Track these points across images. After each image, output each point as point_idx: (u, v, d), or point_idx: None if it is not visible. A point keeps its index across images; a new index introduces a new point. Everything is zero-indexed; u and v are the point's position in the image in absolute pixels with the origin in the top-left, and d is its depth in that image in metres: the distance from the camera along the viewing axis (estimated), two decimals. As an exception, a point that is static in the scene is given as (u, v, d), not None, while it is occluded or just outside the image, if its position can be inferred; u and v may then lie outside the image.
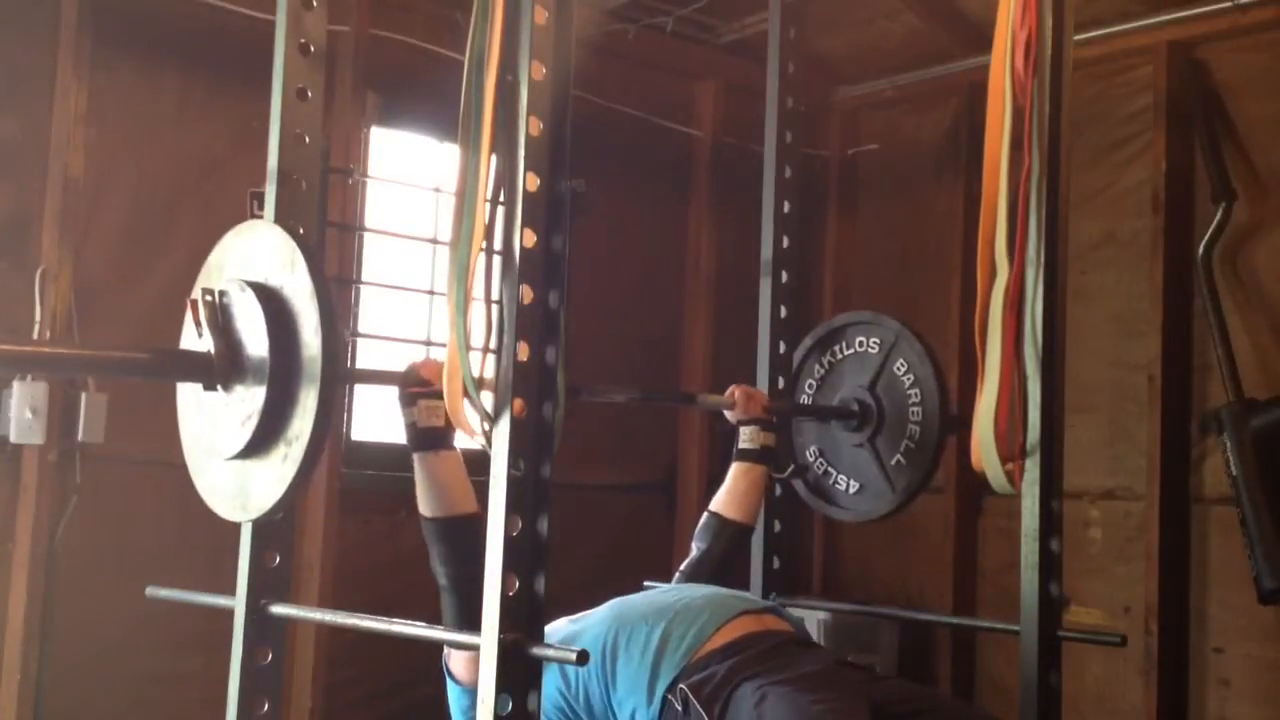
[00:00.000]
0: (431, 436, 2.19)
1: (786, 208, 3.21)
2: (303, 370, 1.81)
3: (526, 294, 1.83)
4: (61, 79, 3.38)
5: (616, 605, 2.51)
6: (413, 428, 2.20)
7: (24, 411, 3.26)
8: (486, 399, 1.84)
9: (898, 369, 3.02)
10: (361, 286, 3.94)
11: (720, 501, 2.95)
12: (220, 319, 1.90)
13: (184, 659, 3.47)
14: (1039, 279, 2.38)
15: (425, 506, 2.22)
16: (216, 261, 2.01)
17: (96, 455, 3.40)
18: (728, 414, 3.01)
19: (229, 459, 1.88)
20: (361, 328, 3.94)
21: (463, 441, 1.98)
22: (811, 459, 3.15)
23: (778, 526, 3.13)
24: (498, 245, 1.88)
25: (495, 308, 1.88)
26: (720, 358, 4.65)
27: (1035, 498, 2.38)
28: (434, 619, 2.18)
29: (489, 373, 1.85)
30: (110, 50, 3.48)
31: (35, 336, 3.30)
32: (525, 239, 1.83)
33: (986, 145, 2.40)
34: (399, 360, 4.07)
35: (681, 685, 2.26)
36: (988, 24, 2.48)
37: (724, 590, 2.63)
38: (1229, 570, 3.90)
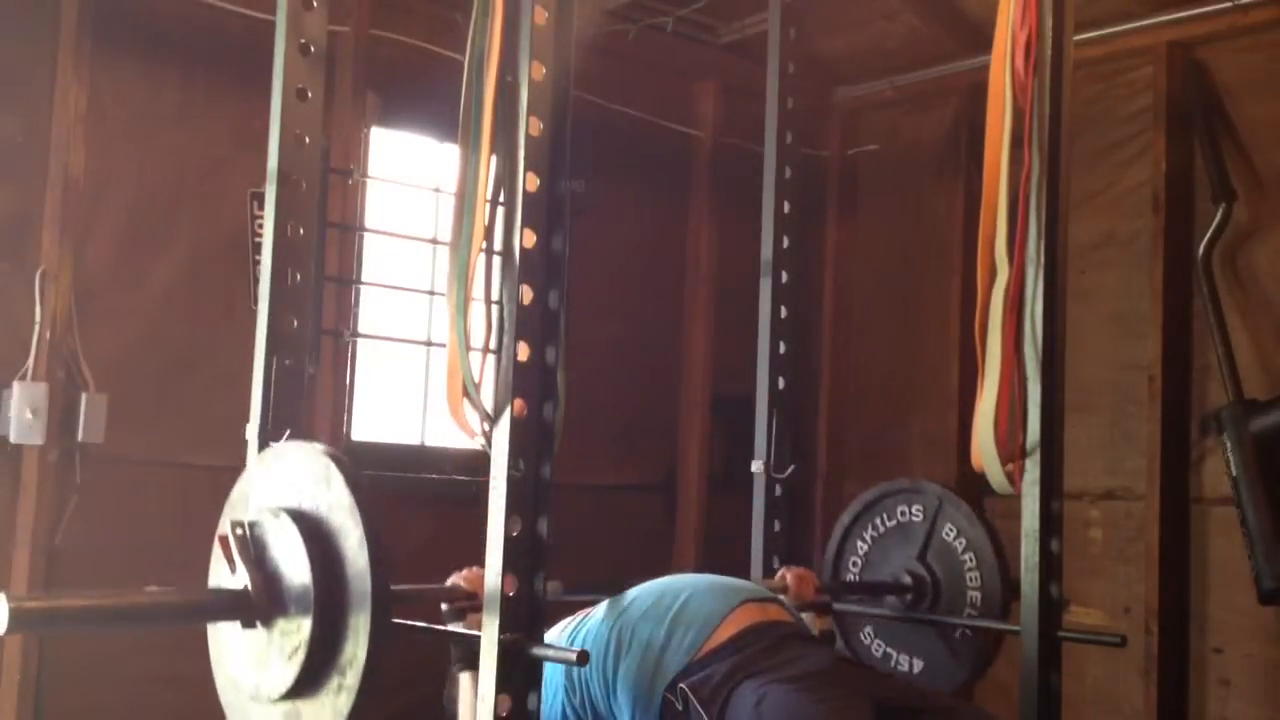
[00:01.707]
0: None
1: (786, 208, 3.21)
2: (350, 590, 1.68)
3: (526, 294, 1.83)
4: (61, 79, 3.38)
5: (616, 604, 2.51)
6: (461, 644, 2.13)
7: (24, 412, 3.26)
8: (486, 399, 1.84)
9: (947, 535, 2.92)
10: (361, 287, 3.94)
11: None
12: (253, 551, 1.79)
13: (184, 660, 3.45)
14: (1039, 279, 2.38)
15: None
16: (241, 493, 1.91)
17: (96, 455, 3.40)
18: (781, 599, 2.89)
19: (276, 700, 1.75)
20: (361, 328, 3.94)
21: (463, 441, 1.98)
22: (867, 641, 3.03)
23: (777, 526, 3.13)
24: (498, 245, 1.88)
25: (495, 308, 1.88)
26: (720, 358, 4.65)
27: (1035, 498, 2.38)
28: (434, 619, 2.18)
29: (489, 373, 1.86)
30: (110, 50, 3.47)
31: (35, 336, 3.30)
32: (525, 239, 1.83)
33: (986, 145, 2.40)
34: (404, 362, 4.09)
35: (681, 685, 2.26)
36: (988, 24, 2.48)
37: (726, 580, 2.62)
38: (1229, 570, 3.90)
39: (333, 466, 1.75)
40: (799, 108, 3.26)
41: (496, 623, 1.77)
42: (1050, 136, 2.39)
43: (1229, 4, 3.94)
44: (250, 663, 1.79)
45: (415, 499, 3.83)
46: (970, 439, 2.40)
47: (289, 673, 1.71)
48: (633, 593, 2.54)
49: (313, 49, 2.20)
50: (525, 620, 1.80)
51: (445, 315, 1.91)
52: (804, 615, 2.82)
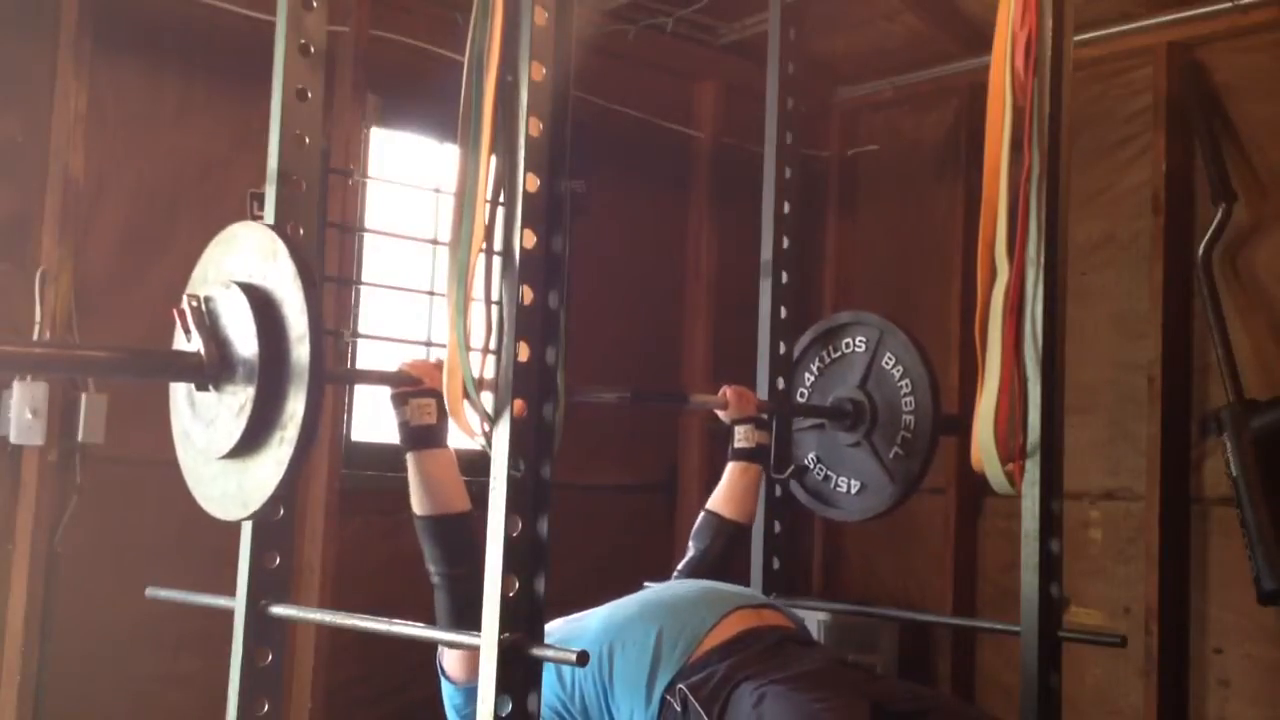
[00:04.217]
0: (424, 434, 2.22)
1: (786, 208, 3.21)
2: (290, 351, 1.82)
3: (526, 294, 1.83)
4: (61, 79, 3.38)
5: (614, 606, 2.51)
6: (405, 426, 2.23)
7: (24, 412, 3.26)
8: (486, 399, 1.84)
9: (886, 363, 3.05)
10: (361, 287, 3.94)
11: (717, 501, 2.95)
12: (207, 321, 1.92)
13: (184, 659, 3.48)
14: (1039, 280, 2.38)
15: (418, 505, 2.23)
16: (199, 274, 2.03)
17: (96, 455, 3.40)
18: (721, 414, 3.02)
19: (225, 456, 1.89)
20: (361, 328, 3.94)
21: (463, 441, 1.98)
22: (810, 465, 3.16)
23: (777, 527, 3.13)
24: (498, 246, 1.88)
25: (495, 308, 1.88)
26: (720, 358, 4.65)
27: (1035, 498, 2.38)
28: (433, 619, 2.18)
29: (489, 373, 1.86)
30: (110, 51, 3.48)
31: (35, 336, 3.30)
32: (525, 240, 1.83)
33: (986, 146, 2.40)
34: (396, 360, 4.09)
35: (680, 685, 2.26)
36: (988, 24, 2.48)
37: (720, 585, 2.63)
38: (1229, 571, 3.90)
39: (279, 241, 1.88)
40: (799, 108, 3.26)
41: (497, 623, 1.77)
42: (1050, 136, 2.39)
43: (1229, 4, 3.94)
44: (203, 424, 1.94)
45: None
46: (970, 439, 2.40)
47: (236, 428, 1.85)
48: (629, 598, 2.55)
49: (313, 49, 2.20)
50: (525, 620, 1.80)
51: (445, 315, 1.91)
52: (742, 429, 2.96)
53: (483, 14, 1.87)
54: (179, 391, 2.04)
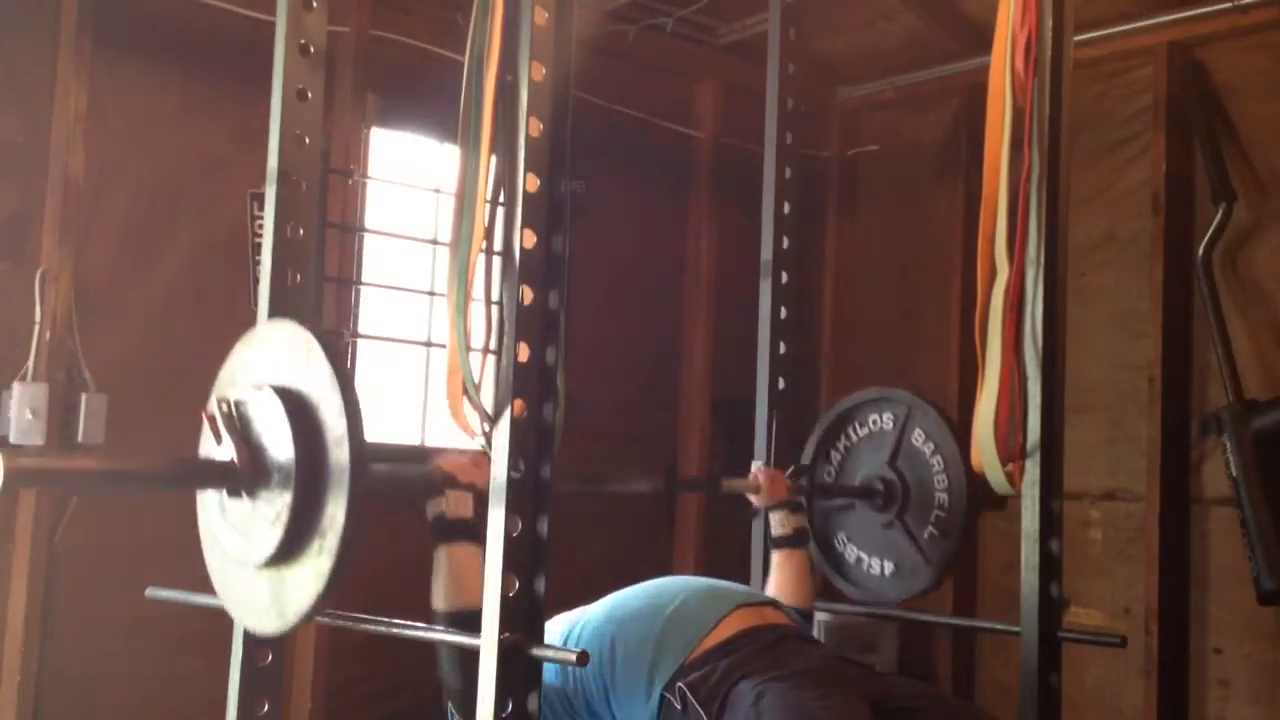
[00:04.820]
0: (461, 528, 2.14)
1: (786, 208, 3.21)
2: (329, 455, 1.73)
3: (526, 295, 1.83)
4: (62, 79, 3.38)
5: (613, 603, 2.51)
6: (440, 519, 2.16)
7: (24, 412, 3.26)
8: (486, 399, 1.84)
9: (915, 440, 2.96)
10: (361, 287, 3.94)
11: (772, 593, 2.84)
12: (239, 425, 1.84)
13: (184, 659, 3.47)
14: (1039, 279, 2.38)
15: (444, 600, 2.14)
16: (227, 376, 1.95)
17: (96, 455, 3.40)
18: (753, 499, 2.95)
19: (262, 566, 1.80)
20: (362, 328, 3.94)
21: (463, 441, 1.98)
22: (841, 547, 3.08)
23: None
24: (498, 246, 1.88)
25: (495, 308, 1.88)
26: (720, 358, 4.65)
27: (1035, 499, 2.38)
28: (432, 620, 2.18)
29: (489, 373, 1.86)
30: (111, 51, 3.47)
31: (35, 337, 3.30)
32: (525, 240, 1.83)
33: (986, 145, 2.40)
34: (404, 362, 4.09)
35: (679, 684, 2.26)
36: (988, 24, 2.48)
37: (722, 583, 2.63)
38: (1229, 571, 3.90)
39: (313, 342, 1.81)
40: (799, 108, 3.26)
41: (496, 623, 1.77)
42: (1050, 136, 2.39)
43: (1229, 4, 3.94)
44: (237, 533, 1.86)
45: (413, 501, 3.81)
46: (970, 439, 2.40)
47: (273, 537, 1.77)
48: (628, 592, 2.54)
49: (313, 49, 2.20)
50: (525, 620, 1.80)
51: (445, 315, 1.91)
52: (777, 515, 2.89)
53: (483, 14, 1.87)
54: (207, 498, 1.95)
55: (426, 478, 2.18)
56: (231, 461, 1.83)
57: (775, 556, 2.89)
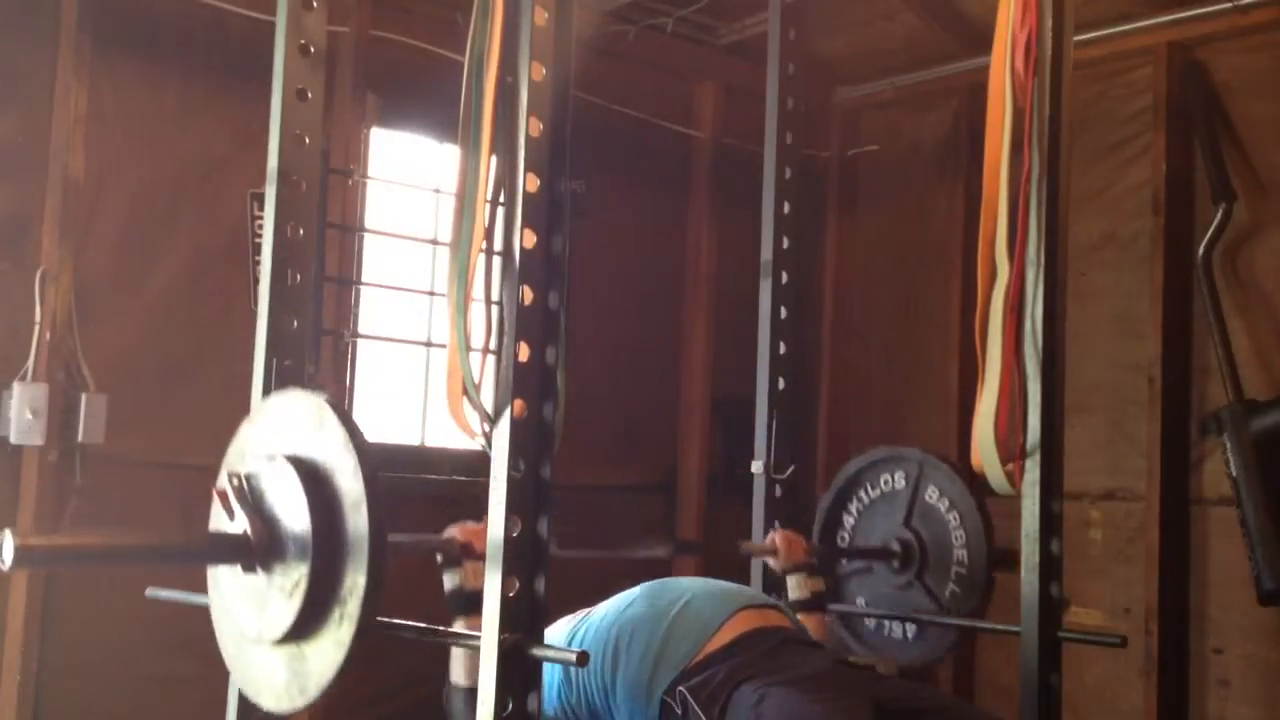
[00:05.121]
0: (480, 600, 2.12)
1: (786, 208, 3.21)
2: (347, 520, 1.70)
3: (526, 295, 1.83)
4: (61, 80, 3.38)
5: (616, 605, 2.51)
6: (458, 592, 2.15)
7: (24, 412, 3.26)
8: (486, 399, 1.84)
9: (929, 497, 2.94)
10: (361, 287, 3.94)
11: None
12: (250, 499, 1.81)
13: (184, 660, 3.47)
14: (1039, 280, 2.38)
15: (464, 675, 2.13)
16: (236, 451, 1.93)
17: (96, 455, 3.40)
18: (770, 562, 2.93)
19: (278, 641, 1.76)
20: (361, 328, 3.94)
21: (463, 442, 1.98)
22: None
23: (777, 527, 3.13)
24: (498, 246, 1.88)
25: (495, 308, 1.87)
26: (720, 358, 4.65)
27: (1035, 499, 2.38)
28: (433, 620, 2.18)
29: (489, 373, 1.85)
30: (110, 51, 3.47)
31: (35, 337, 3.30)
32: (525, 240, 1.83)
33: (986, 146, 2.40)
34: (405, 362, 4.09)
35: (680, 688, 2.26)
36: (988, 24, 2.48)
37: (727, 585, 2.62)
38: (1229, 571, 3.90)
39: (325, 408, 1.78)
40: (799, 108, 3.26)
41: (497, 623, 1.77)
42: (1050, 136, 2.39)
43: (1229, 4, 3.94)
44: (251, 607, 1.81)
45: (415, 499, 3.82)
46: (970, 439, 2.40)
47: (290, 610, 1.72)
48: (632, 594, 2.54)
49: (313, 49, 2.20)
50: (525, 620, 1.80)
51: (445, 315, 1.91)
52: (794, 579, 2.85)
53: (483, 14, 1.87)
54: (219, 571, 1.91)
55: (442, 549, 2.15)
56: (245, 534, 1.79)
57: None
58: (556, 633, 2.48)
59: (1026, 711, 2.34)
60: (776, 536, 2.91)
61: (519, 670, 1.78)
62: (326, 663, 1.71)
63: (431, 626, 2.07)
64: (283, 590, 1.74)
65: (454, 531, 2.19)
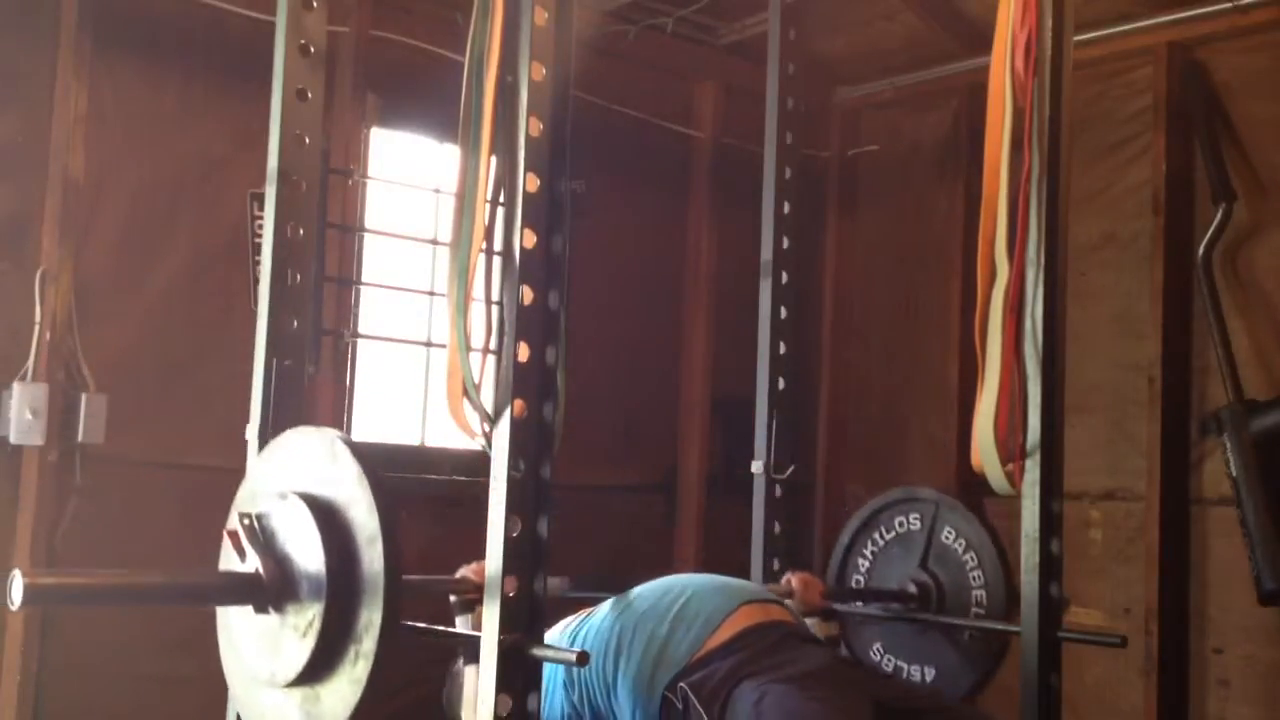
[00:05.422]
0: None
1: (786, 208, 3.21)
2: (361, 553, 1.68)
3: (526, 295, 1.83)
4: (61, 79, 3.38)
5: (621, 602, 2.51)
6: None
7: (24, 412, 3.26)
8: (486, 399, 1.84)
9: (946, 538, 2.93)
10: (361, 287, 3.94)
11: None
12: (262, 539, 1.80)
13: (184, 660, 3.47)
14: (1039, 280, 2.38)
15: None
16: (246, 493, 1.91)
17: (96, 455, 3.40)
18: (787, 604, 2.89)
19: (292, 684, 1.73)
20: (361, 328, 3.94)
21: (463, 441, 1.98)
22: (878, 657, 3.02)
23: (778, 527, 3.13)
24: (498, 246, 1.88)
25: (495, 308, 1.88)
26: (720, 358, 4.65)
27: (1035, 499, 2.38)
28: (433, 619, 2.18)
29: (489, 373, 1.86)
30: (110, 51, 3.47)
31: (35, 337, 3.30)
32: (525, 240, 1.83)
33: (986, 146, 2.40)
34: (405, 362, 4.09)
35: (682, 684, 2.26)
36: (988, 24, 2.49)
37: (727, 580, 2.62)
38: (1229, 571, 3.90)
39: (338, 442, 1.77)
40: (799, 108, 3.26)
41: (496, 623, 1.77)
42: (1050, 136, 2.39)
43: (1229, 4, 3.94)
44: (264, 648, 1.78)
45: (415, 500, 3.83)
46: (970, 439, 2.40)
47: (304, 650, 1.70)
48: (634, 592, 2.54)
49: (313, 49, 2.20)
50: (525, 620, 1.80)
51: (445, 315, 1.91)
52: (809, 620, 2.82)
53: (483, 14, 1.87)
54: (229, 613, 1.88)
55: (456, 590, 2.15)
56: (257, 573, 1.77)
57: None
58: (557, 633, 2.48)
59: (1026, 711, 2.34)
60: (793, 578, 2.89)
61: (519, 670, 1.78)
62: (342, 702, 1.68)
63: (431, 626, 2.07)
64: (296, 630, 1.72)
65: (466, 572, 2.18)
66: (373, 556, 1.67)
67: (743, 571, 3.06)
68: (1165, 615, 3.97)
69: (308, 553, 1.72)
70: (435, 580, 2.24)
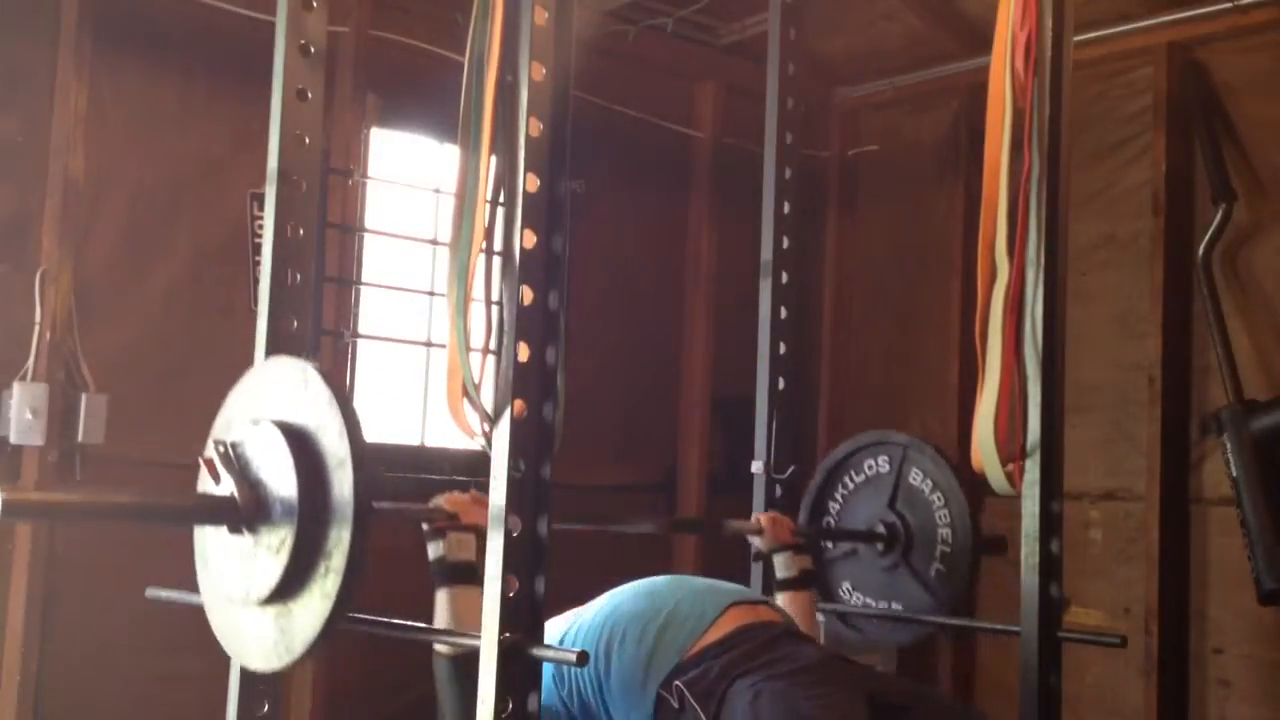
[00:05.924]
0: (462, 571, 2.13)
1: (786, 208, 3.21)
2: (331, 476, 1.71)
3: (526, 295, 1.83)
4: (61, 79, 3.38)
5: (609, 602, 2.51)
6: (441, 562, 2.15)
7: (24, 412, 3.26)
8: (486, 399, 1.84)
9: (914, 479, 2.97)
10: (361, 287, 3.94)
11: None
12: (237, 464, 1.84)
13: (184, 659, 3.46)
14: (1039, 280, 2.38)
15: (445, 644, 2.13)
16: (222, 421, 1.95)
17: (96, 455, 3.40)
18: (755, 542, 2.95)
19: (265, 601, 1.78)
20: (361, 328, 3.94)
21: (463, 442, 1.98)
22: (847, 595, 3.08)
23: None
24: (498, 246, 1.88)
25: (495, 308, 1.88)
26: (720, 358, 4.65)
27: (1035, 499, 2.38)
28: (433, 619, 2.18)
29: (489, 373, 1.86)
30: (110, 51, 3.47)
31: (35, 337, 3.30)
32: (525, 240, 1.83)
33: (986, 146, 2.40)
34: (405, 363, 4.09)
35: (676, 682, 2.26)
36: (988, 24, 2.49)
37: (717, 583, 2.63)
38: (1229, 571, 3.90)
39: (310, 369, 1.80)
40: (799, 108, 3.26)
41: (497, 623, 1.77)
42: (1050, 137, 2.39)
43: (1229, 4, 3.94)
44: (238, 569, 1.83)
45: (415, 499, 3.82)
46: (970, 439, 2.40)
47: (277, 567, 1.74)
48: (623, 591, 2.55)
49: (313, 50, 2.20)
50: (525, 620, 1.80)
51: (445, 316, 1.91)
52: (780, 557, 2.87)
53: (483, 14, 1.87)
54: (205, 539, 1.93)
55: (428, 517, 2.16)
56: (231, 496, 1.81)
57: (780, 599, 2.85)
58: (548, 633, 2.48)
59: (1026, 711, 2.34)
60: (761, 517, 2.95)
61: (519, 670, 1.79)
62: (314, 616, 1.73)
63: (430, 626, 2.07)
64: (269, 549, 1.77)
65: (441, 501, 2.20)
66: (342, 479, 1.70)
67: (742, 572, 3.06)
68: (1165, 615, 3.97)
69: (280, 476, 1.77)
70: (408, 507, 2.28)
